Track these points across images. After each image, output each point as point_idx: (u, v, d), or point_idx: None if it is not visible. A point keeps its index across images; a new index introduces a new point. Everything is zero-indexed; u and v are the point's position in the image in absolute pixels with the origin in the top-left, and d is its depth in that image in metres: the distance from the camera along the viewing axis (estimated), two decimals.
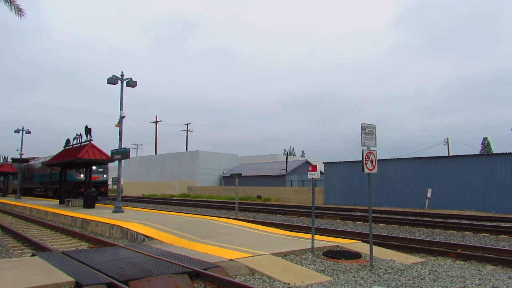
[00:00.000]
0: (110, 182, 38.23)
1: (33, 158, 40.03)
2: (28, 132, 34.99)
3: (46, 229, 15.08)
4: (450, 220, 18.79)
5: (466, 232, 14.51)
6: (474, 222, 17.86)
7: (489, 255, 9.13)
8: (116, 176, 24.61)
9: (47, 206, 22.10)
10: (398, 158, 32.24)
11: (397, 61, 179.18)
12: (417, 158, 31.41)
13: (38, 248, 10.22)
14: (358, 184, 30.99)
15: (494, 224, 17.20)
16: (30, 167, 38.49)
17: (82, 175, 28.23)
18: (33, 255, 8.45)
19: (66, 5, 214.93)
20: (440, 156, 30.13)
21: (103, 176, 30.66)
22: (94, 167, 28.14)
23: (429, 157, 30.28)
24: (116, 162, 19.02)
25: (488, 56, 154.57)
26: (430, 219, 19.24)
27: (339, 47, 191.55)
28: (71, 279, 6.02)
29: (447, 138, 55.84)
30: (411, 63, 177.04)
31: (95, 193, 21.71)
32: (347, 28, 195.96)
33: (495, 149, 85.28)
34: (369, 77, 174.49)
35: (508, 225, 16.93)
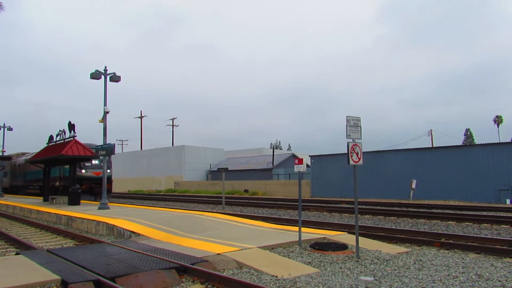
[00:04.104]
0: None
1: (23, 154, 37.68)
2: (10, 129, 34.30)
3: (31, 227, 14.85)
4: (434, 210, 19.11)
5: (450, 222, 14.78)
6: (458, 212, 18.21)
7: (472, 244, 9.32)
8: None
9: (31, 203, 21.75)
10: (383, 150, 32.61)
11: (380, 54, 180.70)
12: (402, 150, 31.84)
13: (22, 247, 10.05)
14: (344, 176, 31.26)
15: (477, 213, 17.56)
16: (21, 163, 35.85)
17: (83, 171, 26.83)
18: (17, 253, 8.31)
19: None
20: (424, 148, 30.61)
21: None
22: (96, 162, 26.77)
23: (413, 148, 30.73)
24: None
25: (469, 49, 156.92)
26: (415, 210, 19.53)
27: (323, 40, 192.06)
28: (56, 277, 5.94)
29: (431, 130, 56.77)
30: (394, 56, 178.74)
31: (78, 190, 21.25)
32: (331, 21, 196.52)
33: (478, 140, 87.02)
34: (353, 70, 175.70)
35: (490, 213, 17.30)
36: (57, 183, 28.44)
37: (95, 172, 27.33)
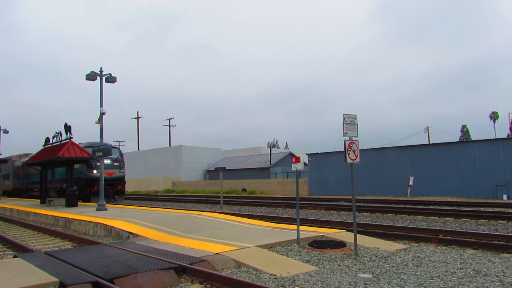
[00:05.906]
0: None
1: (26, 155, 36.49)
2: (6, 131, 34.08)
3: (28, 230, 14.79)
4: (431, 207, 19.16)
5: (447, 218, 14.83)
6: (455, 208, 18.27)
7: (469, 240, 9.36)
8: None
9: (28, 206, 21.67)
10: (380, 148, 32.64)
11: (376, 52, 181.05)
12: (399, 147, 31.90)
13: (20, 250, 10.01)
14: (342, 174, 31.30)
15: (474, 209, 17.62)
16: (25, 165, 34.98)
17: (95, 171, 25.19)
18: (15, 256, 8.28)
19: (44, 1, 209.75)
20: (421, 145, 30.67)
21: (119, 172, 27.04)
22: (108, 161, 25.55)
23: (410, 145, 30.79)
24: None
25: (464, 46, 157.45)
26: (412, 206, 19.59)
27: (319, 39, 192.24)
28: (55, 279, 5.92)
29: (427, 127, 56.92)
30: (390, 54, 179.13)
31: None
32: (327, 20, 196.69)
33: (474, 136, 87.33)
34: (350, 69, 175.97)
35: (487, 209, 17.36)
36: (65, 185, 27.82)
37: (107, 173, 25.77)
